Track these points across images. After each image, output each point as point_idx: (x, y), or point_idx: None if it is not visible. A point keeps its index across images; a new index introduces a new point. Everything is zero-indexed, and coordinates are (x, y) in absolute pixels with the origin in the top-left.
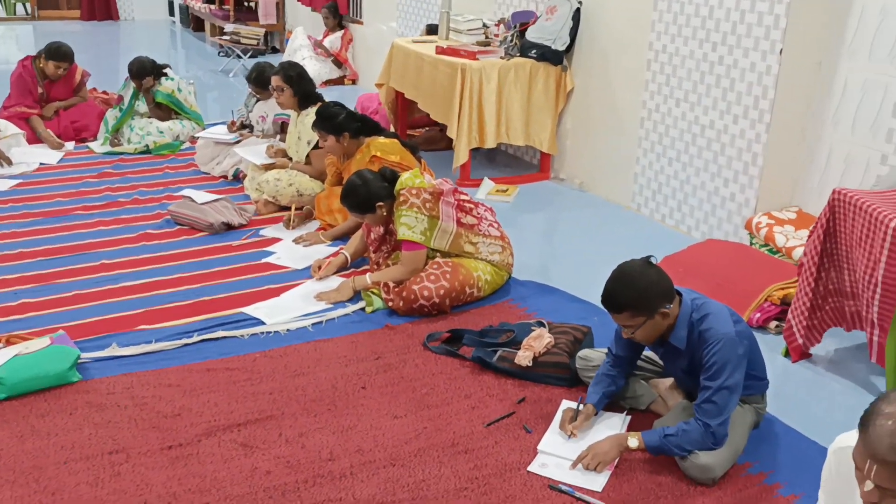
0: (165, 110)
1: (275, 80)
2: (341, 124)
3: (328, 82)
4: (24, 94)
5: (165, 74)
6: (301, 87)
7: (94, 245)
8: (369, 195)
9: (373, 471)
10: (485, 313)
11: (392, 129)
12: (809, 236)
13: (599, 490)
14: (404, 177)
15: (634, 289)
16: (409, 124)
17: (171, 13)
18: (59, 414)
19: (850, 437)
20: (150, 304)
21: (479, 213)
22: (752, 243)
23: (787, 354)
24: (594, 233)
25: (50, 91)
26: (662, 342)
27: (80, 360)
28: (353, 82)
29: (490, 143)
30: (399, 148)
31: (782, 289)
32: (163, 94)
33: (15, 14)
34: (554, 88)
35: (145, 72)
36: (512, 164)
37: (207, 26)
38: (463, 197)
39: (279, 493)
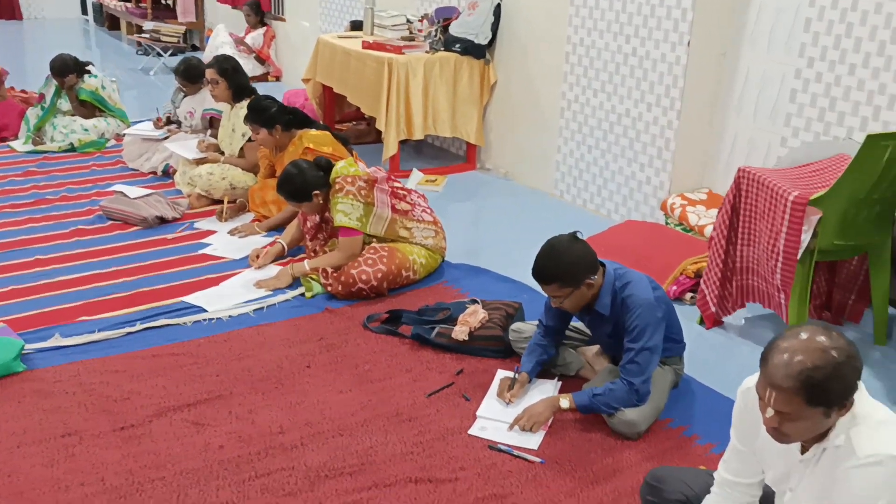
0: (90, 108)
1: (209, 73)
2: (273, 117)
3: (252, 79)
4: None
5: (89, 72)
6: (235, 80)
7: (26, 242)
8: (305, 184)
9: (322, 441)
10: (421, 294)
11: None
12: (718, 212)
13: (536, 448)
14: (339, 165)
15: (562, 262)
16: (339, 119)
17: (84, 11)
18: (6, 402)
19: (754, 379)
20: (89, 296)
21: (412, 200)
22: (667, 223)
23: (701, 322)
24: (519, 218)
25: None
26: (588, 310)
27: (23, 351)
28: (277, 79)
29: (418, 135)
30: (331, 139)
31: (695, 263)
32: (87, 91)
33: None
34: (478, 81)
35: (68, 69)
36: (440, 155)
37: (123, 25)
38: (396, 184)
39: (233, 465)
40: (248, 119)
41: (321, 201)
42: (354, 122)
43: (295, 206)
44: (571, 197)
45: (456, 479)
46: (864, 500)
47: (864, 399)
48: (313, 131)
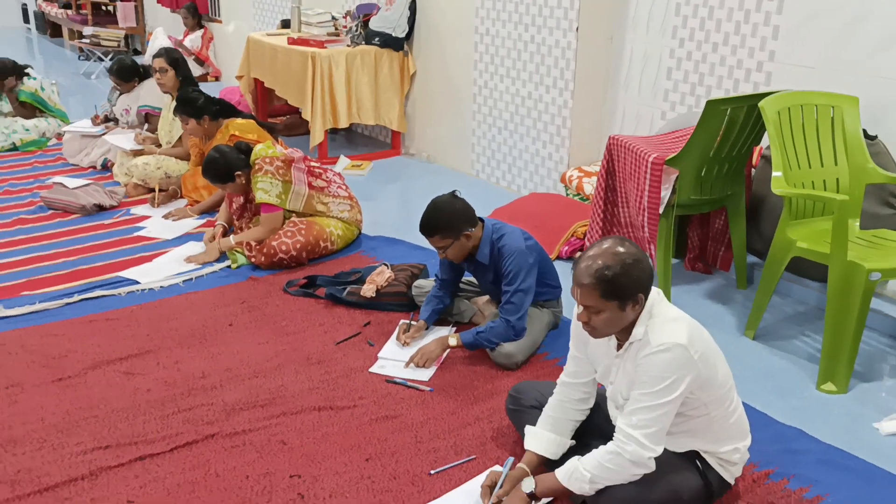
0: (30, 109)
1: (158, 62)
2: (201, 108)
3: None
4: None
5: (28, 74)
6: (183, 70)
7: None
8: (228, 166)
9: (239, 382)
10: (339, 263)
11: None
12: (597, 177)
13: (427, 379)
14: (258, 148)
15: (443, 215)
16: (270, 112)
17: (26, 20)
18: None
19: None
20: (31, 275)
21: (328, 178)
22: (567, 194)
23: None
24: (423, 191)
25: None
26: (472, 260)
27: None
28: (217, 79)
29: (343, 123)
30: (255, 127)
31: (584, 226)
32: (26, 93)
33: None
34: (398, 72)
35: (7, 72)
36: (367, 143)
37: (65, 31)
38: (313, 164)
39: (159, 403)
40: (178, 110)
41: (244, 181)
42: (287, 115)
43: (220, 188)
44: (486, 175)
45: (354, 406)
46: (658, 378)
47: (661, 303)
48: (239, 120)
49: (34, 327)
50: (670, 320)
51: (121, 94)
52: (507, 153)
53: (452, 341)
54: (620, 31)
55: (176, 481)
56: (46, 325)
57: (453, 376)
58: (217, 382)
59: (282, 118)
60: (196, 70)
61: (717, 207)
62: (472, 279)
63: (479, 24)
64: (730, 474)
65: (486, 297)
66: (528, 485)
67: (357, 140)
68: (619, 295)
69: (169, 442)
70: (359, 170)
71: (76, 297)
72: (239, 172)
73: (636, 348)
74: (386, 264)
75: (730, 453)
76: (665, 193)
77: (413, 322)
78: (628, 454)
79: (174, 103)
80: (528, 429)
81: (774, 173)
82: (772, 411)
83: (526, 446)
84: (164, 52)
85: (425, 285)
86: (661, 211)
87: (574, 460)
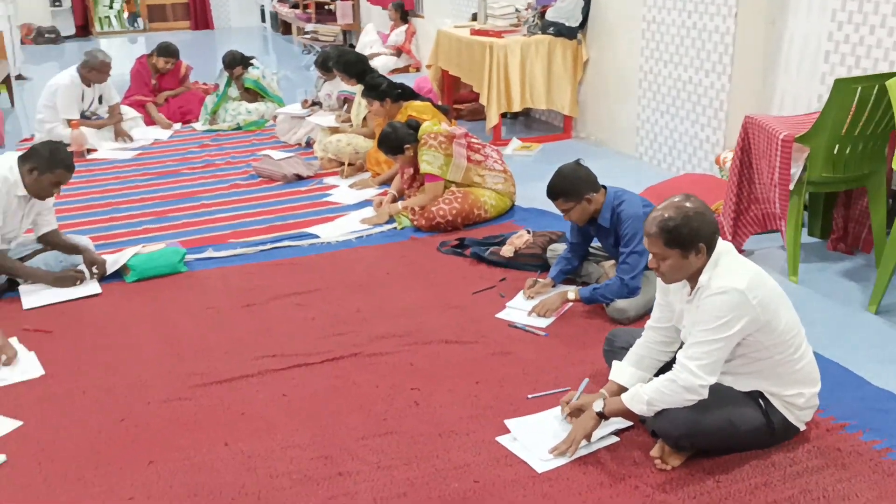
0: (252, 94)
1: (337, 68)
2: (384, 91)
3: (394, 71)
4: (140, 86)
5: (252, 64)
6: (352, 70)
7: (196, 192)
8: (398, 140)
9: (385, 317)
10: (490, 230)
11: (440, 103)
12: (734, 155)
13: (544, 327)
14: (425, 125)
15: (567, 181)
16: (456, 99)
17: (263, 19)
18: (173, 289)
19: None
20: (237, 227)
21: (485, 153)
22: (721, 175)
23: None
24: (599, 176)
25: (161, 82)
26: (595, 224)
27: (185, 259)
28: (417, 70)
29: (516, 107)
30: (431, 109)
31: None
32: (250, 80)
33: (129, 28)
34: (571, 60)
35: (235, 62)
36: (542, 127)
37: (294, 29)
38: (473, 140)
39: (319, 328)
40: (364, 94)
41: (412, 154)
42: (472, 102)
43: (392, 159)
44: (649, 157)
45: (476, 342)
46: (714, 317)
47: (729, 254)
48: (417, 102)
49: (234, 267)
50: (733, 269)
51: (325, 82)
52: (668, 136)
53: (571, 295)
54: (782, 14)
55: (322, 385)
56: (243, 265)
57: (569, 326)
58: (368, 316)
59: (467, 105)
60: (399, 62)
61: (855, 187)
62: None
63: (647, 11)
64: (795, 417)
65: (613, 262)
66: (598, 405)
67: (533, 124)
68: (680, 243)
69: (321, 356)
70: (527, 150)
71: (269, 246)
72: (408, 146)
73: (700, 294)
74: (528, 230)
75: (794, 397)
76: (796, 171)
77: (540, 279)
78: (681, 381)
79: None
80: (614, 363)
81: None
82: (873, 378)
83: (610, 377)
84: (333, 64)
85: (559, 249)
86: (791, 187)
87: (637, 385)
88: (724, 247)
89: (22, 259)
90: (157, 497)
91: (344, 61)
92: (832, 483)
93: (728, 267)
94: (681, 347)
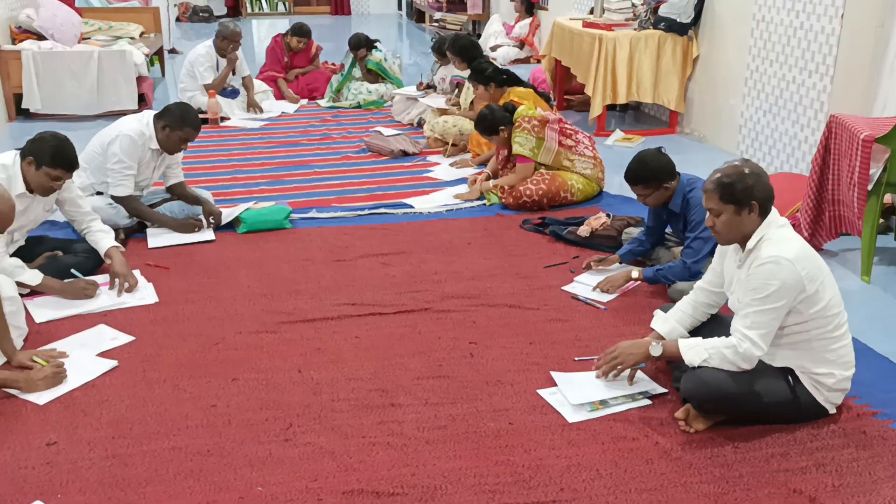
0: (374, 75)
1: (448, 53)
2: (489, 76)
3: (515, 61)
4: (273, 63)
5: (376, 47)
6: (466, 55)
7: (311, 161)
8: (494, 121)
9: (459, 280)
10: (574, 212)
11: (551, 92)
12: (815, 154)
13: (605, 301)
14: (520, 109)
15: (647, 168)
16: (568, 89)
17: (400, 7)
18: (277, 242)
19: None
20: (342, 193)
21: (577, 139)
22: None
23: None
24: (691, 168)
25: (293, 60)
26: (667, 209)
27: (291, 218)
28: (538, 61)
29: (621, 100)
30: (533, 95)
31: None
32: (373, 62)
33: (276, 10)
34: (681, 55)
35: (360, 44)
36: (648, 121)
37: (427, 17)
38: (566, 126)
39: (397, 284)
40: (470, 78)
41: (506, 136)
42: (583, 94)
43: (487, 140)
44: (749, 155)
45: (537, 309)
46: (765, 285)
47: (782, 227)
48: (520, 88)
49: (332, 227)
50: (783, 239)
51: (440, 67)
52: (769, 135)
53: (635, 274)
54: (892, 18)
55: (390, 332)
56: (341, 227)
57: (629, 302)
58: (443, 278)
59: (578, 95)
60: (521, 53)
61: None
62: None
63: (757, 10)
64: (824, 398)
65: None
66: (657, 349)
67: (642, 118)
68: (735, 199)
69: (394, 308)
70: (628, 142)
71: (366, 212)
72: (503, 127)
73: (749, 261)
74: (607, 213)
75: (824, 376)
76: (875, 171)
77: (607, 256)
78: (743, 349)
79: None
80: (657, 312)
81: None
82: None
83: (651, 324)
84: (448, 47)
85: (633, 233)
86: (869, 188)
87: (699, 339)
88: (776, 217)
89: (151, 206)
90: (235, 407)
91: (459, 45)
92: (848, 461)
93: (778, 236)
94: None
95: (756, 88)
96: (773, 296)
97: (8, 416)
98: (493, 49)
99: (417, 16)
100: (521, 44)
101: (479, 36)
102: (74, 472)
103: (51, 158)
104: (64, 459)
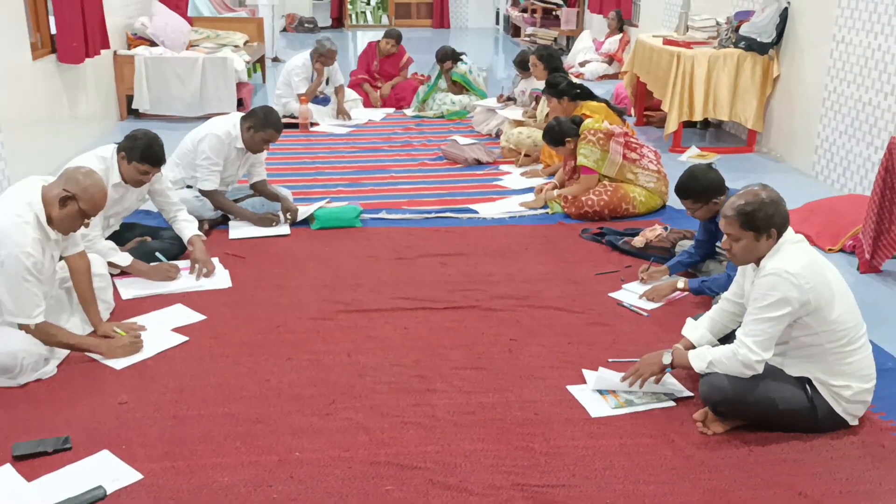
0: (459, 87)
1: (532, 58)
2: (562, 90)
3: (603, 77)
4: (363, 67)
5: (461, 60)
6: (551, 63)
7: (388, 166)
8: (561, 133)
9: (511, 282)
10: (634, 224)
11: (632, 109)
12: (877, 175)
13: (648, 309)
14: (587, 121)
15: (698, 184)
16: (649, 106)
17: (497, 22)
18: (346, 239)
19: None
20: (412, 197)
21: (642, 153)
22: None
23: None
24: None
25: (382, 65)
26: (715, 222)
27: (361, 218)
28: None
29: (697, 116)
30: (605, 109)
31: None
32: (458, 74)
33: (380, 22)
34: (760, 74)
35: (447, 57)
36: (729, 139)
37: (522, 32)
38: (631, 140)
39: (452, 282)
40: (544, 91)
41: (572, 147)
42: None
43: (554, 150)
44: (824, 177)
45: (583, 313)
46: (764, 296)
47: (795, 243)
48: (592, 102)
49: (399, 228)
50: (792, 255)
51: (521, 80)
52: (844, 156)
53: (680, 284)
54: None
55: (437, 325)
56: (407, 228)
57: (672, 311)
58: (496, 280)
59: (658, 112)
60: (609, 70)
61: None
62: None
63: (837, 31)
64: (842, 409)
65: None
66: (667, 357)
67: (723, 136)
68: (754, 226)
69: (445, 304)
70: (702, 159)
71: (433, 215)
72: (569, 139)
73: (757, 274)
74: (665, 226)
75: (841, 388)
76: None
77: (655, 266)
78: (740, 356)
79: None
80: (689, 320)
81: None
82: None
83: (682, 331)
84: (536, 51)
85: (687, 245)
86: None
87: (706, 347)
88: (790, 236)
89: (235, 201)
90: (287, 382)
91: (547, 54)
92: (862, 470)
93: (788, 253)
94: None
95: (833, 109)
96: (772, 306)
97: (88, 377)
98: (582, 65)
99: (514, 30)
100: (611, 59)
101: (565, 51)
102: (139, 428)
103: (140, 155)
104: (131, 417)
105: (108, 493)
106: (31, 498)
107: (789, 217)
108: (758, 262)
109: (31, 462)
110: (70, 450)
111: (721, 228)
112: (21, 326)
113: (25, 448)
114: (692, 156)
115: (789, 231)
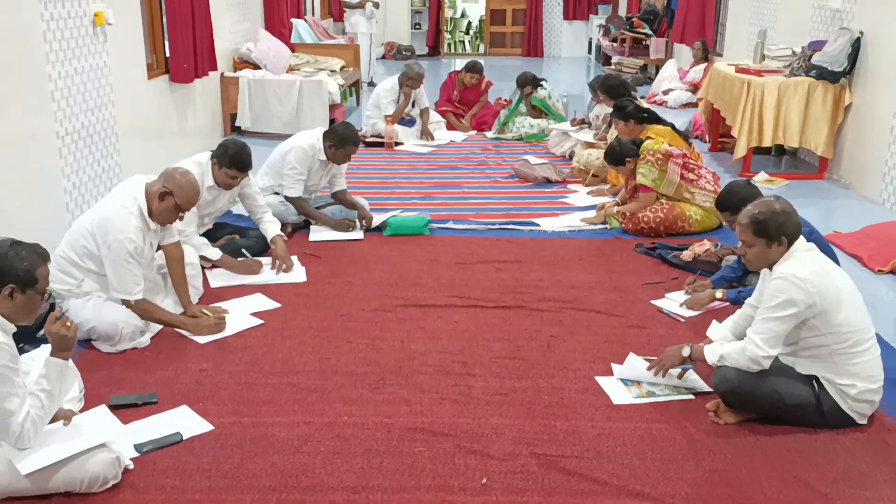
0: (537, 111)
1: (590, 86)
2: (629, 113)
3: (685, 105)
4: (445, 98)
5: (542, 85)
6: (609, 92)
7: (462, 182)
8: (621, 153)
9: (559, 288)
10: (688, 241)
11: (707, 135)
12: None
13: (686, 316)
14: (647, 143)
15: (735, 196)
16: (723, 132)
17: (590, 51)
18: (413, 244)
19: None
20: (480, 210)
21: (699, 173)
22: None
23: None
24: (832, 214)
25: (462, 94)
26: None
27: (429, 227)
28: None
29: (767, 142)
30: (670, 133)
31: None
32: (537, 99)
33: (477, 51)
34: (832, 102)
35: (527, 82)
36: (802, 167)
37: (613, 60)
38: (690, 161)
39: (502, 284)
40: (612, 115)
41: (632, 167)
42: None
43: (614, 170)
44: (891, 204)
45: (622, 316)
46: (772, 297)
47: (807, 251)
48: (658, 126)
49: (463, 237)
50: (801, 261)
51: (596, 104)
52: None
53: (719, 294)
54: None
55: (485, 321)
56: (471, 237)
57: (709, 319)
58: (546, 285)
59: (733, 138)
60: (692, 98)
61: None
62: None
63: None
64: (849, 407)
65: None
66: (686, 350)
67: (796, 163)
68: (766, 234)
69: (494, 303)
70: (770, 184)
71: (496, 227)
72: (629, 159)
73: (768, 278)
74: (716, 242)
75: (847, 387)
76: None
77: (700, 279)
78: (748, 351)
79: None
80: (713, 322)
81: None
82: None
83: (707, 332)
84: (597, 80)
85: (732, 260)
86: None
87: (718, 342)
88: (801, 244)
89: (317, 208)
90: (345, 362)
91: (608, 85)
92: (859, 463)
93: (798, 259)
94: None
95: None
96: (779, 307)
97: (176, 348)
98: (666, 93)
99: (604, 59)
100: (695, 88)
101: (651, 80)
102: (214, 390)
103: (229, 161)
104: (209, 381)
105: (184, 438)
106: (123, 438)
107: (801, 226)
108: (771, 268)
109: (124, 412)
110: (156, 404)
111: (737, 235)
112: (123, 302)
113: (119, 399)
114: (760, 181)
115: (801, 239)
